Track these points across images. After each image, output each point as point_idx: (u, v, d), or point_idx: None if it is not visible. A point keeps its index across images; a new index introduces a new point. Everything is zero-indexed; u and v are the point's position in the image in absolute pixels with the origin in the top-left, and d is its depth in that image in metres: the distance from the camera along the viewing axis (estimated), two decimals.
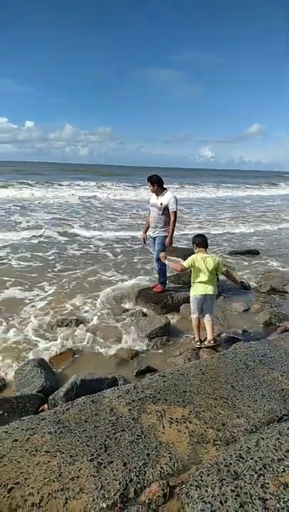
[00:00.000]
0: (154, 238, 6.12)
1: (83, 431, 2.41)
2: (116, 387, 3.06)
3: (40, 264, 8.41)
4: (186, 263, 4.55)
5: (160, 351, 4.69)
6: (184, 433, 2.45)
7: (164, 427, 2.49)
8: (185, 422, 2.55)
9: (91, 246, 10.74)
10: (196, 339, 4.61)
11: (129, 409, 2.66)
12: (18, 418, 2.70)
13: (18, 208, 19.02)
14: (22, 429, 2.41)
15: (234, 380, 3.16)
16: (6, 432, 2.38)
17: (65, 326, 5.14)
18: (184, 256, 8.97)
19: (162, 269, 6.21)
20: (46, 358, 4.19)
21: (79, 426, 2.46)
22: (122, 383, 3.62)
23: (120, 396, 2.84)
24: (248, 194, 37.39)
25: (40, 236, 11.75)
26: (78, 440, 2.31)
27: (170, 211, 5.83)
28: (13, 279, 7.15)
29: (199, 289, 4.50)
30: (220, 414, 2.68)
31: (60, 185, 34.23)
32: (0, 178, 36.35)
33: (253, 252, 10.37)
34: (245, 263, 9.29)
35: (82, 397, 2.82)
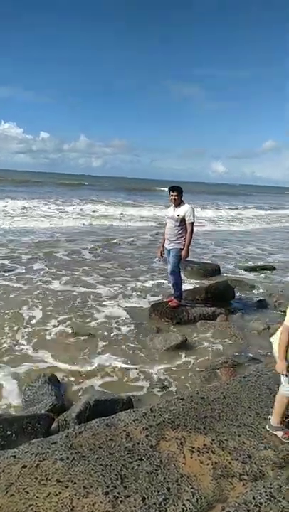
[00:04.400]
0: (169, 251, 5.96)
1: (97, 458, 2.23)
2: (132, 410, 2.88)
3: None
4: None
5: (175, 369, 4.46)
6: (207, 464, 2.25)
7: (184, 457, 2.29)
8: (207, 452, 2.35)
9: None
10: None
11: (147, 436, 2.47)
12: (27, 440, 2.53)
13: None
14: (31, 454, 2.24)
15: (258, 406, 2.95)
16: (15, 457, 2.21)
17: None
18: (202, 271, 8.65)
19: (177, 282, 6.02)
20: None
21: (93, 452, 2.28)
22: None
23: (136, 420, 2.65)
24: None
25: None
26: (92, 469, 2.13)
27: (187, 222, 5.69)
28: None
29: None
30: (244, 443, 2.47)
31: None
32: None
33: (269, 268, 10.11)
34: (262, 279, 9.02)
35: (96, 420, 2.64)
